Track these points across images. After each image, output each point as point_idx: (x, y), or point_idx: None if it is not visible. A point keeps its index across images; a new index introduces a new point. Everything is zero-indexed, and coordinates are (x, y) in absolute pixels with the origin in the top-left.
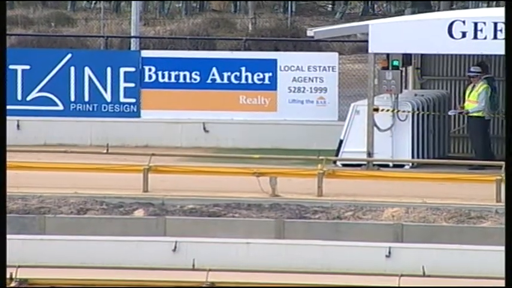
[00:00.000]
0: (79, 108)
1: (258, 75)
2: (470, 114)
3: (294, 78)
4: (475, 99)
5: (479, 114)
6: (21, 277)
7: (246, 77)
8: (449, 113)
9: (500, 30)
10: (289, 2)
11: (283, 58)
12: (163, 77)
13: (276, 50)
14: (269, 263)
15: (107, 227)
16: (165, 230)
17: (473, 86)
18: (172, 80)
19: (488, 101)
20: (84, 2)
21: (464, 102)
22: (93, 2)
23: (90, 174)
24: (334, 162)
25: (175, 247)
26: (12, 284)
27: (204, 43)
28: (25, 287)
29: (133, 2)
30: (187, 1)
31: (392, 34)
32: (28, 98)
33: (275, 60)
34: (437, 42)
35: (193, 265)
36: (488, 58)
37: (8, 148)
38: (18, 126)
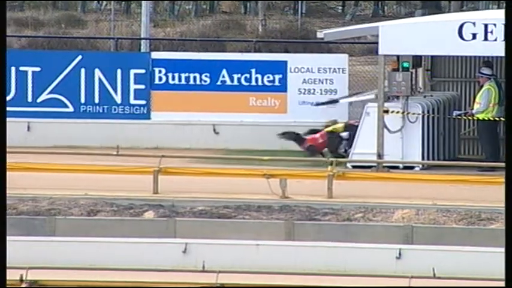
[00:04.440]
0: (89, 110)
1: (268, 77)
2: (477, 116)
3: (304, 79)
4: (478, 100)
5: (488, 116)
6: (32, 278)
7: (256, 78)
8: (454, 114)
9: None
10: (300, 3)
11: (293, 60)
12: (173, 79)
13: (286, 51)
14: (279, 264)
15: (117, 229)
16: (175, 231)
17: (481, 87)
18: (183, 81)
19: (491, 102)
20: (95, 3)
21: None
22: (104, 3)
23: (100, 175)
24: (344, 163)
25: (185, 249)
26: (23, 285)
27: (214, 45)
28: None
29: (143, 3)
30: (197, 1)
31: (402, 36)
32: (38, 100)
33: (285, 62)
34: (447, 44)
35: (203, 267)
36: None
37: (18, 150)
38: (28, 128)
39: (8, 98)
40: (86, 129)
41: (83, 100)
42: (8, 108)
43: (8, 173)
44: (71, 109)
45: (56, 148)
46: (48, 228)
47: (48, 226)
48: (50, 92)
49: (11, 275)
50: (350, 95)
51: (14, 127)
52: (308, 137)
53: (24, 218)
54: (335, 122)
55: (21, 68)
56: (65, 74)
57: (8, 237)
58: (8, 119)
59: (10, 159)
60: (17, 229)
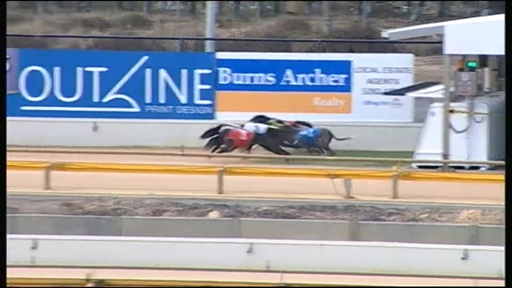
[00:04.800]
0: (154, 110)
1: (333, 77)
2: None
3: (369, 79)
4: None
5: None
6: (98, 278)
7: (321, 78)
8: None
9: None
10: (364, 3)
11: (358, 60)
12: (238, 79)
13: (351, 51)
14: (343, 264)
15: (182, 229)
16: (240, 231)
17: None
18: (247, 81)
19: None
20: (160, 3)
21: None
22: (169, 3)
23: (165, 175)
24: (409, 163)
25: (250, 249)
26: (89, 285)
27: (278, 45)
28: None
29: (208, 3)
30: (262, 1)
31: (468, 35)
32: (105, 100)
33: (350, 62)
34: None
35: (268, 267)
36: None
37: (84, 150)
38: (94, 128)
39: (74, 99)
40: (151, 129)
41: (148, 100)
42: (74, 109)
43: (74, 173)
44: (136, 109)
45: (122, 148)
46: (114, 228)
47: (114, 226)
48: (116, 92)
49: (77, 274)
50: (416, 87)
51: (80, 127)
52: (233, 130)
53: (90, 218)
54: (277, 121)
55: (87, 69)
56: (130, 74)
57: (74, 237)
58: (74, 119)
59: (76, 159)
60: (84, 229)
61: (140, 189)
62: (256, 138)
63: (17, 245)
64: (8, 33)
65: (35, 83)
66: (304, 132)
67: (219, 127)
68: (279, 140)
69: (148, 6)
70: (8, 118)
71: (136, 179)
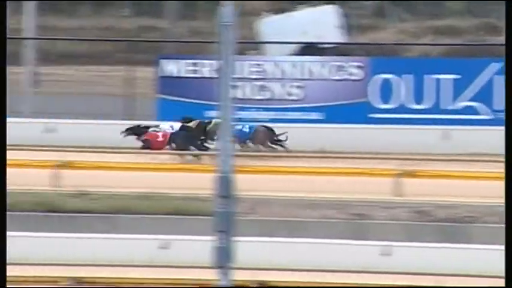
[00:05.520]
0: (503, 117)
1: None
2: None
3: None
4: None
5: None
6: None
7: None
8: None
9: None
10: None
11: None
12: None
13: None
14: None
15: None
16: None
17: None
18: None
19: None
20: None
21: None
22: None
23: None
24: None
25: None
26: None
27: None
28: None
29: None
30: None
31: None
32: (455, 107)
33: None
34: None
35: None
36: None
37: (433, 157)
38: (445, 135)
39: (423, 106)
40: (502, 136)
41: (499, 107)
42: (423, 116)
43: (424, 180)
44: (487, 116)
45: (474, 156)
46: (464, 236)
47: (465, 233)
48: (466, 100)
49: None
50: None
51: (430, 134)
52: (150, 132)
53: (441, 225)
54: (190, 120)
55: (438, 76)
56: (480, 81)
57: (427, 244)
58: (423, 127)
59: (426, 166)
60: (434, 236)
61: (490, 197)
62: (172, 138)
63: (367, 250)
64: (360, 41)
65: (385, 91)
66: (239, 127)
67: (143, 127)
68: (195, 137)
69: (499, 12)
70: (354, 125)
71: (486, 187)
